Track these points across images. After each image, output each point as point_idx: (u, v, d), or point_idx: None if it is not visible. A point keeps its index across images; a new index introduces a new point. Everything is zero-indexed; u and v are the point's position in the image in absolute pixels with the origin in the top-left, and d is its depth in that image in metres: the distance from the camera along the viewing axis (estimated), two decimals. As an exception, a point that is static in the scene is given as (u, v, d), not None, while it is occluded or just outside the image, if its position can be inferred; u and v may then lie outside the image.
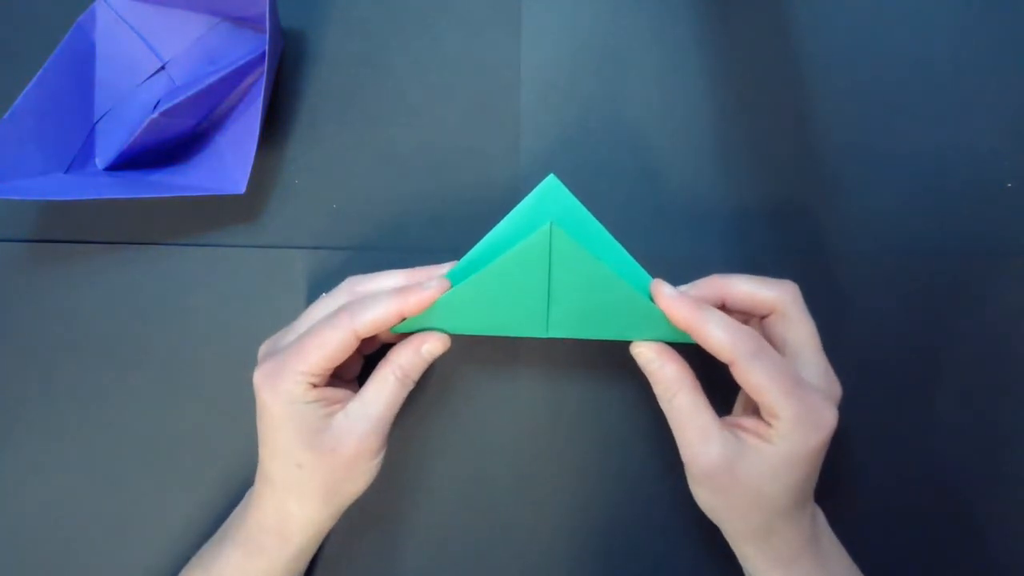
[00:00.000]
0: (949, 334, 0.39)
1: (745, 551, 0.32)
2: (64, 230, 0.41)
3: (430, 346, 0.32)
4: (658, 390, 0.32)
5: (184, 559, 0.35)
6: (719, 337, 0.29)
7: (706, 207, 0.40)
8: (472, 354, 0.39)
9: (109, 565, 0.38)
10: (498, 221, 0.33)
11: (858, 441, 0.38)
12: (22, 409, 0.39)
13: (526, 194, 0.34)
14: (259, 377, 0.31)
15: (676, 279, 0.39)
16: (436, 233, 0.40)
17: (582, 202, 0.33)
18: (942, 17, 0.41)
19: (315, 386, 0.31)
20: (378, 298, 0.31)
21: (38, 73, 0.38)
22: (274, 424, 0.31)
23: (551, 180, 0.33)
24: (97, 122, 0.41)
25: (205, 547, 0.35)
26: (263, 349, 0.34)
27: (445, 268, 0.33)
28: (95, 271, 0.40)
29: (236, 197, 0.39)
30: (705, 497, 0.31)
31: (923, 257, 0.39)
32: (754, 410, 0.32)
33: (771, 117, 0.40)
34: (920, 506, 0.38)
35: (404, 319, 0.31)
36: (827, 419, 0.30)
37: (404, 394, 0.32)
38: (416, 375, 0.33)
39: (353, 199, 0.41)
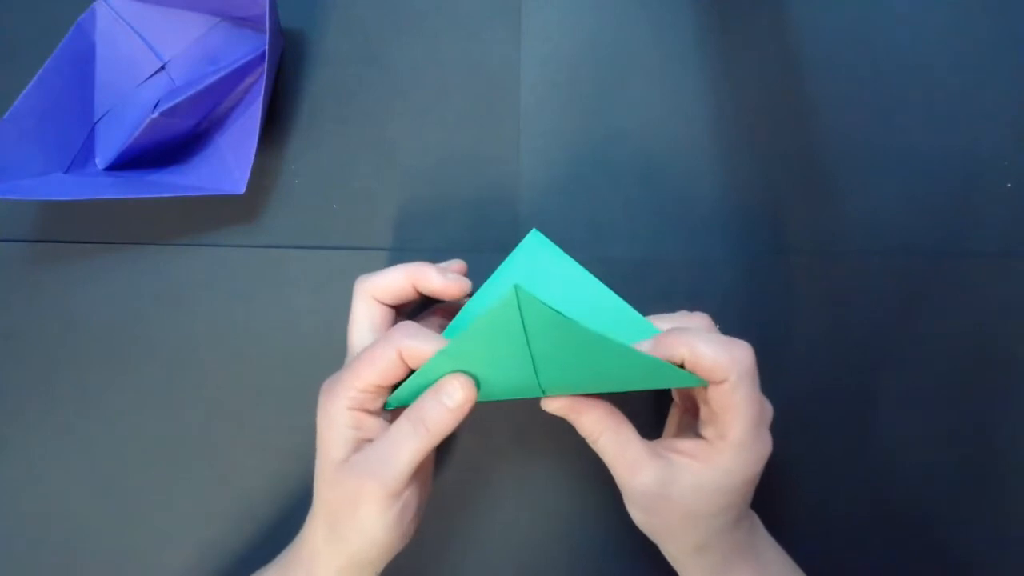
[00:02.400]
0: (949, 334, 0.39)
1: (682, 564, 0.32)
2: (64, 230, 0.41)
3: (450, 390, 0.29)
4: (582, 434, 0.31)
5: (183, 559, 0.36)
6: (714, 355, 0.28)
7: (706, 207, 0.40)
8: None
9: (109, 566, 0.38)
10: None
11: (854, 439, 0.38)
12: (22, 409, 0.39)
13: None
14: (320, 394, 0.30)
15: (676, 279, 0.39)
16: (436, 233, 0.40)
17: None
18: (942, 17, 0.41)
19: (365, 411, 0.30)
20: (427, 334, 0.29)
21: (38, 73, 0.38)
22: (319, 441, 0.30)
23: (533, 236, 0.33)
24: (97, 122, 0.41)
25: (264, 568, 0.34)
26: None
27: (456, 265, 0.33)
28: (95, 271, 0.40)
29: (236, 197, 0.39)
30: (640, 517, 0.31)
31: (923, 257, 0.39)
32: (690, 430, 0.32)
33: (771, 117, 0.40)
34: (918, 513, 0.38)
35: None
36: (767, 448, 0.30)
37: (422, 446, 0.29)
38: (439, 427, 0.29)
39: (353, 199, 0.41)
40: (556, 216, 0.40)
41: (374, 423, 0.30)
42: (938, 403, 0.38)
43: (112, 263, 0.41)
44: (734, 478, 0.29)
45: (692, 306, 0.39)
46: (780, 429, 0.38)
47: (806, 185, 0.40)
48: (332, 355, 0.33)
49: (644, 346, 0.30)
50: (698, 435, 0.31)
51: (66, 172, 0.39)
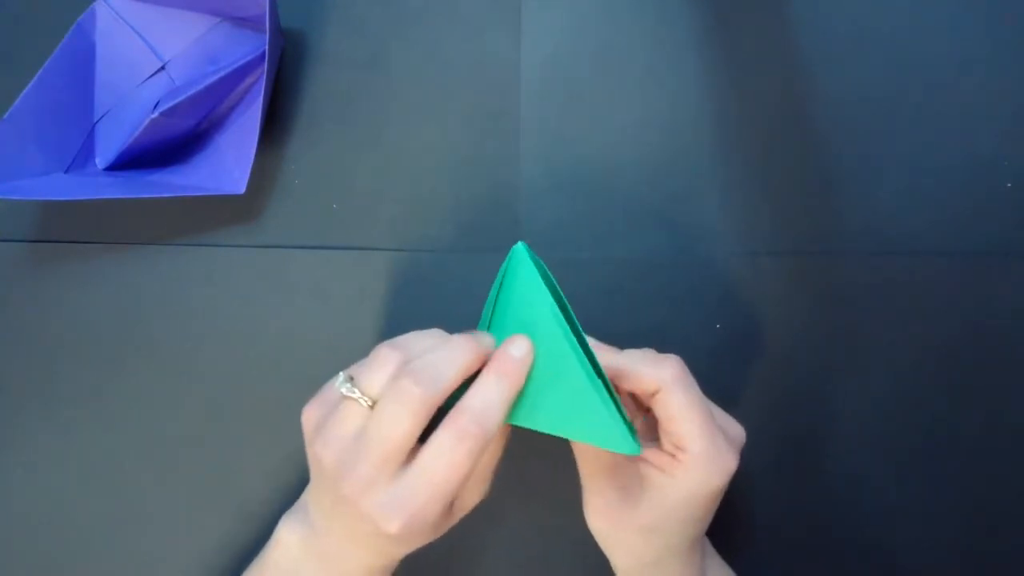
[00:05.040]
0: (949, 334, 0.39)
1: None
2: (64, 230, 0.41)
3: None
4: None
5: (183, 559, 0.35)
6: (645, 370, 0.29)
7: (706, 207, 0.40)
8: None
9: (108, 565, 0.38)
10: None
11: (854, 439, 0.38)
12: (22, 409, 0.39)
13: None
14: (398, 528, 0.26)
15: (676, 279, 0.39)
16: (436, 233, 0.40)
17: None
18: (942, 18, 0.41)
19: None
20: (489, 393, 0.27)
21: (38, 73, 0.38)
22: (404, 543, 0.28)
23: (520, 249, 0.31)
24: (97, 122, 0.41)
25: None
26: (355, 481, 0.26)
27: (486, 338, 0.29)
28: (95, 271, 0.40)
29: (236, 197, 0.39)
30: (599, 525, 0.31)
31: (923, 257, 0.39)
32: (657, 444, 0.31)
33: (771, 116, 0.40)
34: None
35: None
36: (730, 463, 0.29)
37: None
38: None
39: (353, 199, 0.41)
40: (556, 216, 0.40)
41: None
42: (938, 402, 0.38)
43: (112, 263, 0.41)
44: (695, 492, 0.29)
45: (692, 306, 0.39)
46: (779, 427, 0.38)
47: (806, 185, 0.40)
48: (332, 355, 0.33)
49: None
50: (662, 449, 0.31)
51: (66, 172, 0.39)
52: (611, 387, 0.28)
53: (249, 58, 0.39)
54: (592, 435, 0.27)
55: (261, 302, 0.40)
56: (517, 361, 0.27)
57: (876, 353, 0.39)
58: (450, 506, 0.28)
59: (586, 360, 0.27)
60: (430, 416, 0.26)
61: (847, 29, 0.41)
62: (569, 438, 0.28)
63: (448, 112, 0.41)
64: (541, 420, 0.28)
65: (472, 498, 0.30)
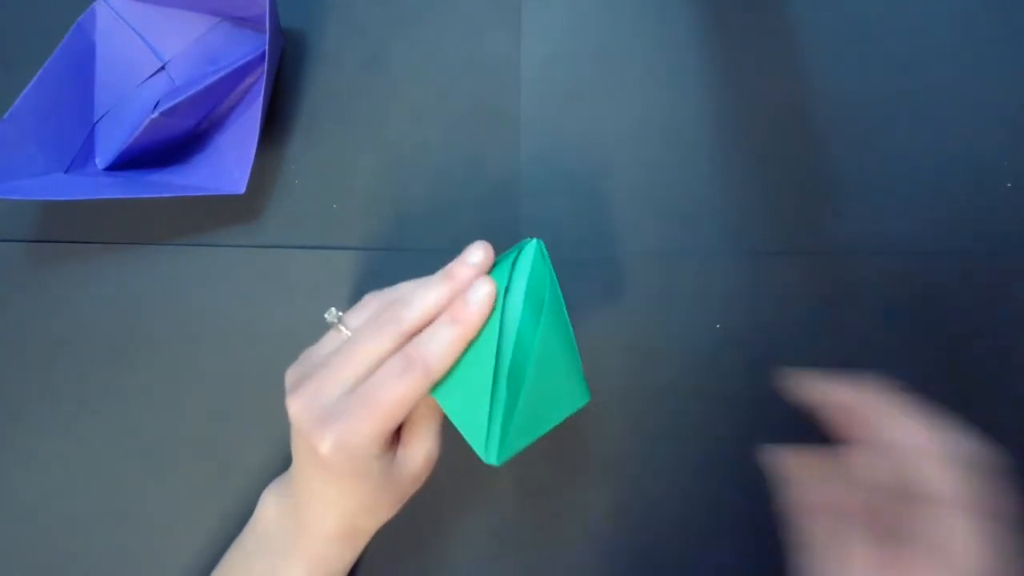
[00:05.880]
0: (950, 335, 0.39)
1: None
2: (64, 230, 0.41)
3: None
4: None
5: (183, 559, 0.35)
6: (924, 468, 0.27)
7: (706, 207, 0.40)
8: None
9: (108, 565, 0.38)
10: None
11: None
12: (22, 409, 0.39)
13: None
14: (328, 447, 0.27)
15: (677, 279, 0.39)
16: (436, 233, 0.40)
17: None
18: (942, 18, 0.41)
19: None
20: (439, 332, 0.28)
21: (38, 73, 0.38)
22: (344, 477, 0.28)
23: (536, 245, 0.32)
24: (97, 122, 0.41)
25: (234, 564, 0.33)
26: (300, 397, 0.29)
27: (477, 253, 0.30)
28: (95, 271, 0.40)
29: (236, 197, 0.39)
30: None
31: (923, 257, 0.39)
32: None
33: (771, 116, 0.40)
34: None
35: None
36: (986, 495, 0.27)
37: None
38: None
39: (353, 199, 0.41)
40: (556, 216, 0.40)
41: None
42: (939, 402, 0.38)
43: (112, 263, 0.41)
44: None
45: (692, 306, 0.39)
46: (779, 428, 0.38)
47: (806, 185, 0.40)
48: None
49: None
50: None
51: (66, 172, 0.39)
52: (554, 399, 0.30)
53: (249, 58, 0.39)
54: (464, 425, 0.28)
55: (261, 302, 0.40)
56: (472, 306, 0.28)
57: (876, 353, 0.39)
58: (388, 445, 0.29)
59: (497, 358, 0.28)
60: (394, 345, 0.28)
61: (847, 29, 0.41)
62: (449, 417, 0.28)
63: (448, 112, 0.41)
64: (442, 390, 0.28)
65: (421, 450, 0.30)
